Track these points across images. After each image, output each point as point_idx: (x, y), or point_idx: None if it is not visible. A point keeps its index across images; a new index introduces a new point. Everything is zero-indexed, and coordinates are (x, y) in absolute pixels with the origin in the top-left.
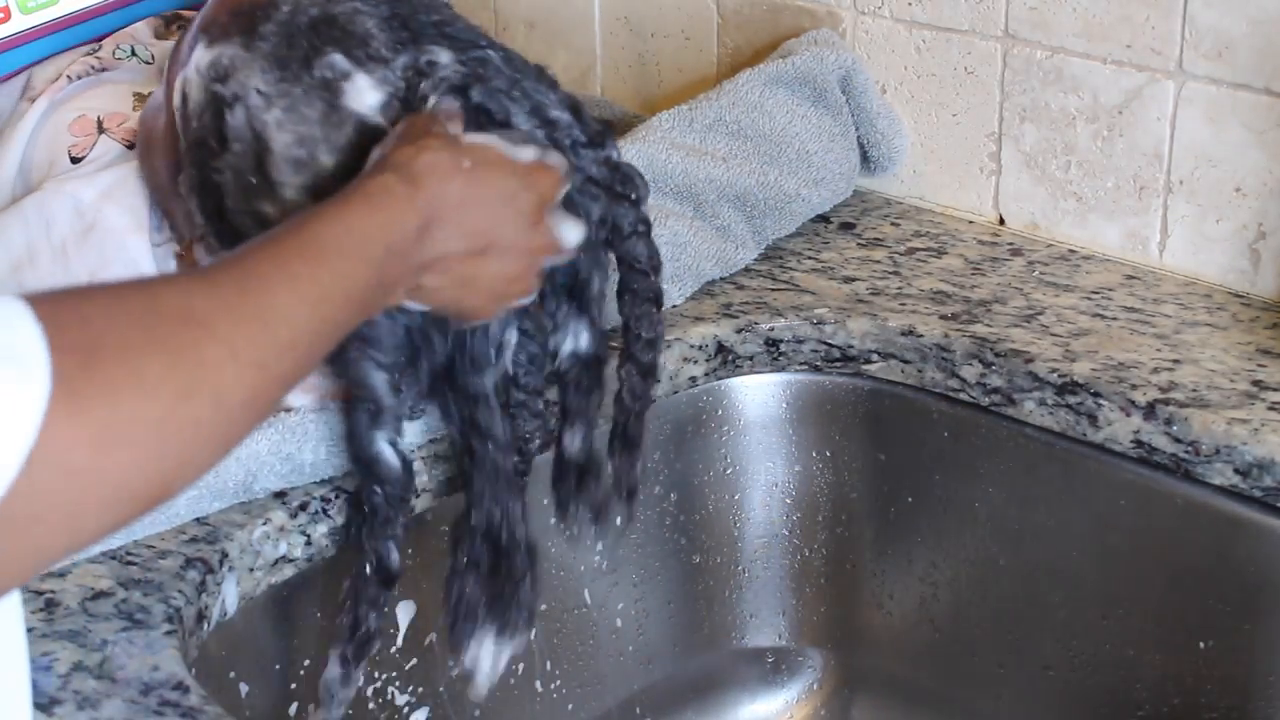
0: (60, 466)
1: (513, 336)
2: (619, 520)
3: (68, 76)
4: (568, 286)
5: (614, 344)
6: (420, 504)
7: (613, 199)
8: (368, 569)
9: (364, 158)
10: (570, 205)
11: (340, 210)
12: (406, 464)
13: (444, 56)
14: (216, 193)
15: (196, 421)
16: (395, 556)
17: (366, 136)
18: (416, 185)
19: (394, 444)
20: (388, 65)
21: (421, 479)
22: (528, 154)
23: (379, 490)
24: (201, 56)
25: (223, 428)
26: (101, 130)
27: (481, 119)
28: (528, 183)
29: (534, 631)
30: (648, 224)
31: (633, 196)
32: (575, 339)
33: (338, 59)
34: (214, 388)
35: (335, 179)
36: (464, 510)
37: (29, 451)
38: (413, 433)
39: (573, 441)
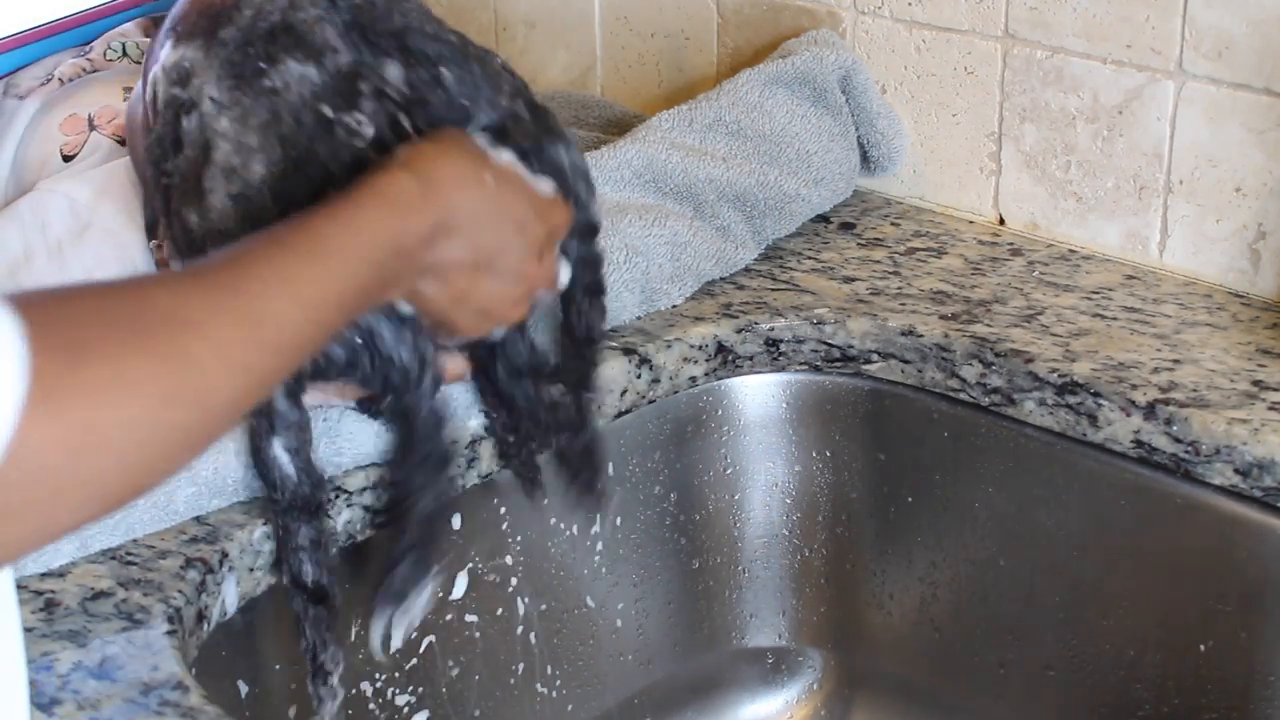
0: (34, 465)
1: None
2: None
3: (59, 79)
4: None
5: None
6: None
7: None
8: (285, 579)
9: (298, 172)
10: None
11: (350, 209)
12: (310, 476)
13: (393, 73)
14: (166, 194)
15: (178, 425)
16: (309, 570)
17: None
18: (432, 188)
19: (295, 452)
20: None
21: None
22: (546, 187)
23: (276, 499)
24: (167, 55)
25: (204, 430)
26: (92, 127)
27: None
28: (541, 214)
29: (534, 632)
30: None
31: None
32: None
33: (291, 66)
34: (198, 391)
35: (261, 191)
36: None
37: (3, 449)
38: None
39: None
